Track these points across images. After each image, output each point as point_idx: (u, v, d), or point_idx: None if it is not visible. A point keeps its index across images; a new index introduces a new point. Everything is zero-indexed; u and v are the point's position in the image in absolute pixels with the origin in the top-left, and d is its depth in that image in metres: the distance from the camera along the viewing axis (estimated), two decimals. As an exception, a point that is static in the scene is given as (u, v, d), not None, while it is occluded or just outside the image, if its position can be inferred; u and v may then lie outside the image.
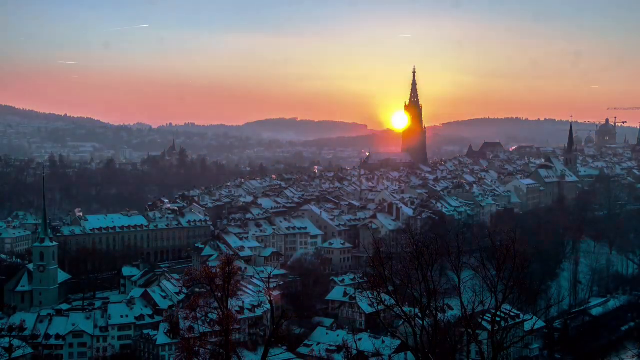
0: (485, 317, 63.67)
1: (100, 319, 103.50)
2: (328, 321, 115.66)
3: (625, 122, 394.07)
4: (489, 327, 41.09)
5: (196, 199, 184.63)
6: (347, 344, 64.60)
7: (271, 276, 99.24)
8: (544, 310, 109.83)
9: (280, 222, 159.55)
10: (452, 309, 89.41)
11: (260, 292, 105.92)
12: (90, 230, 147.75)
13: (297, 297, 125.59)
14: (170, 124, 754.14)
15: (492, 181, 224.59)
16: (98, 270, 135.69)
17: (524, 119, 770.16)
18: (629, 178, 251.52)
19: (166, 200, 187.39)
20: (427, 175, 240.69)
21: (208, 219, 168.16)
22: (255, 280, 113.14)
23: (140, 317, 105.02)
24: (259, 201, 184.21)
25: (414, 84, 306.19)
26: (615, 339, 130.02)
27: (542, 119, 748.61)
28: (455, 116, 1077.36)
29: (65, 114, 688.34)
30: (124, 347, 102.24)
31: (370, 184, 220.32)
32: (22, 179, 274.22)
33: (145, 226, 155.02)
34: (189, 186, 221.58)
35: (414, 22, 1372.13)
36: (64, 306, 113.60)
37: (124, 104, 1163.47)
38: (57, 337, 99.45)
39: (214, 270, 54.02)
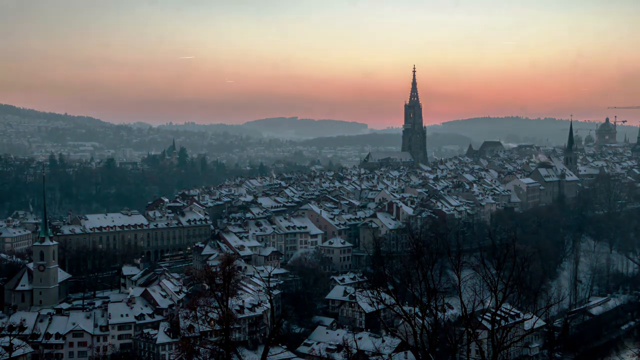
0: (485, 316, 63.90)
1: (100, 318, 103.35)
2: (328, 320, 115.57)
3: (625, 121, 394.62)
4: (489, 326, 41.11)
5: (196, 198, 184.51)
6: (347, 343, 64.67)
7: (271, 275, 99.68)
8: (544, 309, 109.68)
9: (281, 221, 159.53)
10: (452, 308, 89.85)
11: (261, 291, 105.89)
12: (90, 229, 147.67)
13: (297, 296, 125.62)
14: (170, 123, 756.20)
15: (492, 180, 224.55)
16: (98, 269, 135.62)
17: (524, 118, 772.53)
18: (629, 177, 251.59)
19: (166, 200, 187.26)
20: (427, 174, 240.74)
21: (208, 218, 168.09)
22: (255, 280, 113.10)
23: (140, 316, 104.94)
24: (259, 200, 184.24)
25: (414, 83, 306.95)
26: (616, 338, 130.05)
27: (542, 118, 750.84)
28: (455, 115, 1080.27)
29: (65, 113, 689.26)
30: (124, 347, 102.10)
31: (370, 183, 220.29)
32: (22, 178, 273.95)
33: (145, 225, 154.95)
34: (189, 185, 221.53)
35: (415, 22, 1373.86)
36: (64, 305, 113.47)
37: (124, 103, 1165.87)
38: (57, 336, 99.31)
39: (214, 270, 54.25)
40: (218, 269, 52.56)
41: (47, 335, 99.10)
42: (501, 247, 38.97)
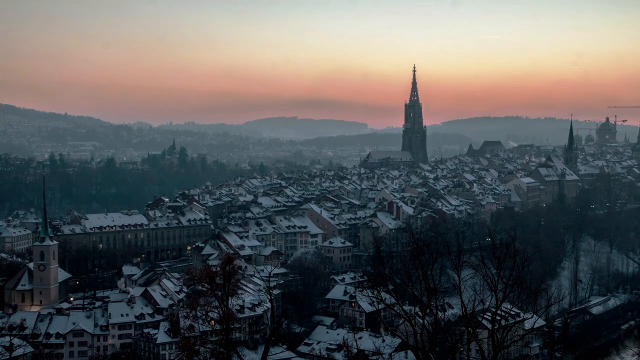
0: (485, 316, 63.89)
1: (100, 318, 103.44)
2: (328, 320, 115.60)
3: (626, 120, 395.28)
4: (489, 326, 41.10)
5: (196, 197, 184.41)
6: (347, 342, 64.60)
7: (271, 275, 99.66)
8: (544, 309, 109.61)
9: (281, 220, 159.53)
10: (453, 308, 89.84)
11: (261, 290, 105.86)
12: (91, 229, 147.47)
13: (297, 296, 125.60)
14: (171, 122, 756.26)
15: (492, 180, 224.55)
16: (98, 269, 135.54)
17: (524, 117, 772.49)
18: (629, 176, 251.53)
19: (166, 199, 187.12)
20: (427, 173, 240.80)
21: (208, 217, 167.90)
22: (255, 279, 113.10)
23: (141, 315, 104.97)
24: (259, 200, 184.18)
25: (414, 83, 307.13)
26: (616, 338, 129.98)
27: (542, 117, 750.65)
28: (456, 115, 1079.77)
29: (65, 113, 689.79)
30: (125, 346, 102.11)
31: (370, 182, 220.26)
32: (22, 178, 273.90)
33: (146, 225, 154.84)
34: (189, 185, 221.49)
35: (415, 21, 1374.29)
36: (64, 305, 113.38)
37: (124, 103, 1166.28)
38: (58, 335, 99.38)
39: (214, 269, 54.17)
40: (218, 269, 52.49)
41: (47, 335, 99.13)
42: (501, 246, 38.89)
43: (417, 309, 40.20)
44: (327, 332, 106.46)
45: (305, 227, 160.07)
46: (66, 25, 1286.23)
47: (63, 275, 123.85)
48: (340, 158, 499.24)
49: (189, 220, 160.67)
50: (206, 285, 53.67)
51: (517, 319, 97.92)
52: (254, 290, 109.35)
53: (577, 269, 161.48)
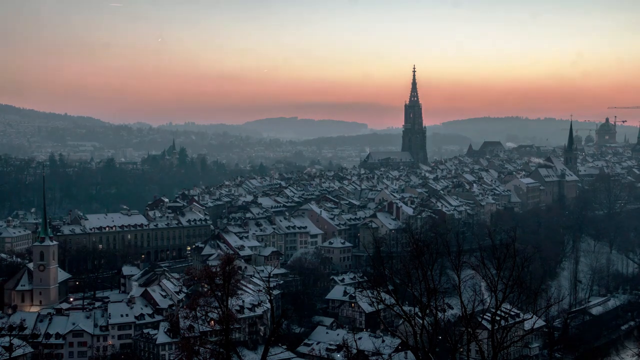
0: (485, 316, 63.85)
1: (100, 318, 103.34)
2: (328, 320, 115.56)
3: (625, 121, 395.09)
4: (489, 326, 41.11)
5: (196, 198, 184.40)
6: (347, 343, 64.51)
7: (271, 275, 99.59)
8: (544, 309, 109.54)
9: (280, 221, 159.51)
10: (452, 308, 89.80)
11: (261, 291, 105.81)
12: (90, 229, 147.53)
13: (297, 296, 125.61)
14: (170, 123, 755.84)
15: (492, 180, 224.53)
16: (98, 269, 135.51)
17: (524, 117, 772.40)
18: (629, 177, 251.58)
19: (166, 200, 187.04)
20: (427, 174, 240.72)
21: (208, 218, 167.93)
22: (255, 280, 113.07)
23: (140, 316, 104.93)
24: (259, 200, 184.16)
25: (414, 83, 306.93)
26: (616, 338, 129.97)
27: (542, 117, 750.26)
28: (455, 115, 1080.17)
29: (65, 113, 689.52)
30: (124, 347, 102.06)
31: (370, 183, 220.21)
32: (22, 178, 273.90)
33: (145, 225, 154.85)
34: (189, 185, 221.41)
35: (415, 22, 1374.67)
36: (64, 305, 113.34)
37: (124, 103, 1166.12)
38: (57, 336, 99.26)
39: (214, 270, 54.17)
40: (218, 269, 52.49)
41: (47, 335, 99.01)
42: (501, 247, 38.90)
43: (416, 309, 40.21)
44: (327, 333, 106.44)
45: (305, 227, 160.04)
46: (66, 25, 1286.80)
47: (63, 275, 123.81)
48: (340, 158, 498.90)
49: (188, 221, 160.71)
50: (206, 285, 53.70)
51: (517, 319, 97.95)
52: (253, 291, 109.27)
53: (577, 270, 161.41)
